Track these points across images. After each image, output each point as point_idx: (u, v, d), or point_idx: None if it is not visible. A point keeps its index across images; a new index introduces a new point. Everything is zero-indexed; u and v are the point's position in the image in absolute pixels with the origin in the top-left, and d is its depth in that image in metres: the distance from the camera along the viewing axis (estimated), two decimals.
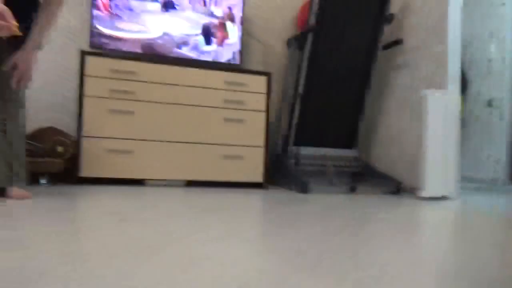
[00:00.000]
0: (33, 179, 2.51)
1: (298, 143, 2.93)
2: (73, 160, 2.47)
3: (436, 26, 2.82)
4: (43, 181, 2.30)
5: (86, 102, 2.50)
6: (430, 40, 2.88)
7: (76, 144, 2.46)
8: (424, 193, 2.56)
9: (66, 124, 2.89)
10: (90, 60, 2.51)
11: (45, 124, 2.84)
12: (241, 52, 3.02)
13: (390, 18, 3.01)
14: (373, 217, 1.76)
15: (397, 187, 2.83)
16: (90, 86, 2.51)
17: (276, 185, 3.07)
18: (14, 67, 1.70)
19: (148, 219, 1.46)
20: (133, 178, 2.58)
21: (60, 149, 2.34)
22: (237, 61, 3.01)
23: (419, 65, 2.97)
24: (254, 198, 2.28)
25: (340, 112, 3.14)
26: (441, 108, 2.61)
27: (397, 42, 3.07)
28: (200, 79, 2.71)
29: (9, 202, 1.69)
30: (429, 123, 2.58)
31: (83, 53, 2.51)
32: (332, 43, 2.97)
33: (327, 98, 3.07)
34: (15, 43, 1.70)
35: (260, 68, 3.31)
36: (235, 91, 2.78)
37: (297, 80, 2.99)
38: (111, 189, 2.32)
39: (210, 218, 1.54)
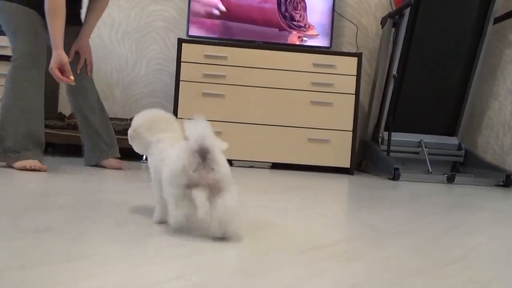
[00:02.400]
0: (137, 156, 2.80)
1: (390, 128, 2.76)
2: None
3: None
4: (144, 157, 2.55)
5: (182, 86, 2.69)
6: None
7: None
8: None
9: (165, 108, 3.13)
10: (186, 47, 2.69)
11: (147, 108, 3.12)
12: (331, 33, 2.94)
13: None
14: (470, 206, 1.59)
15: (506, 179, 2.50)
16: (186, 71, 2.69)
17: (363, 172, 2.95)
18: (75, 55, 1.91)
19: None
20: None
21: None
22: (327, 43, 2.94)
23: None
24: (339, 181, 2.22)
25: (440, 95, 2.86)
26: None
27: None
28: (288, 62, 2.71)
29: (107, 171, 1.90)
30: None
31: (181, 41, 2.69)
32: (431, 19, 2.71)
33: (425, 79, 2.82)
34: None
35: (352, 50, 3.18)
36: (323, 73, 2.72)
37: (391, 61, 2.80)
38: None
39: (290, 194, 1.55)
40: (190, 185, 0.77)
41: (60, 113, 2.98)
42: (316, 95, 2.72)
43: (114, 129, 2.54)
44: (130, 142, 1.03)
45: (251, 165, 2.74)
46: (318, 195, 1.60)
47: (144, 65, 3.14)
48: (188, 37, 2.89)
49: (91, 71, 2.00)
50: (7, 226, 0.82)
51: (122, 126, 2.60)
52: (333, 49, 3.05)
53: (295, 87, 2.72)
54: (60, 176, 1.62)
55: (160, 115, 1.03)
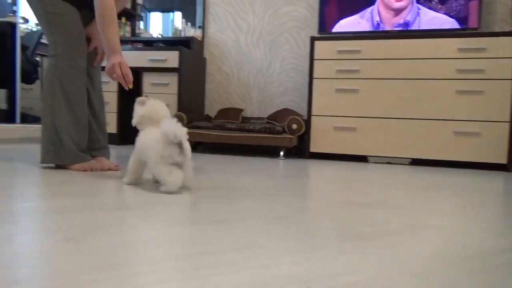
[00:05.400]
0: (273, 153, 2.96)
1: None
2: (303, 136, 2.76)
3: None
4: (281, 154, 2.68)
5: (315, 83, 2.73)
6: None
7: (306, 122, 2.74)
8: None
9: (298, 105, 3.23)
10: (319, 45, 2.72)
11: (281, 106, 3.27)
12: (480, 12, 2.62)
13: None
14: None
15: None
16: (318, 69, 2.72)
17: None
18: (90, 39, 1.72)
19: (363, 187, 1.51)
20: (356, 154, 2.67)
21: (294, 126, 2.65)
22: (475, 24, 2.63)
23: None
24: (493, 180, 1.98)
25: None
26: None
27: None
28: (427, 49, 2.52)
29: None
30: None
31: (313, 39, 2.73)
32: None
33: None
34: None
35: (507, 28, 2.78)
36: (471, 58, 2.45)
37: None
38: (336, 163, 2.48)
39: (438, 193, 1.46)
40: (173, 163, 1.25)
41: (207, 115, 3.32)
42: (463, 84, 2.46)
43: (253, 128, 2.73)
44: (138, 124, 1.39)
45: (388, 161, 2.63)
46: (471, 195, 1.46)
47: (278, 65, 3.28)
48: (320, 34, 2.92)
49: (99, 61, 1.77)
50: (189, 215, 0.97)
51: (259, 125, 2.77)
52: (482, 29, 2.72)
53: (437, 76, 2.51)
54: (232, 172, 1.83)
55: (160, 109, 1.38)
